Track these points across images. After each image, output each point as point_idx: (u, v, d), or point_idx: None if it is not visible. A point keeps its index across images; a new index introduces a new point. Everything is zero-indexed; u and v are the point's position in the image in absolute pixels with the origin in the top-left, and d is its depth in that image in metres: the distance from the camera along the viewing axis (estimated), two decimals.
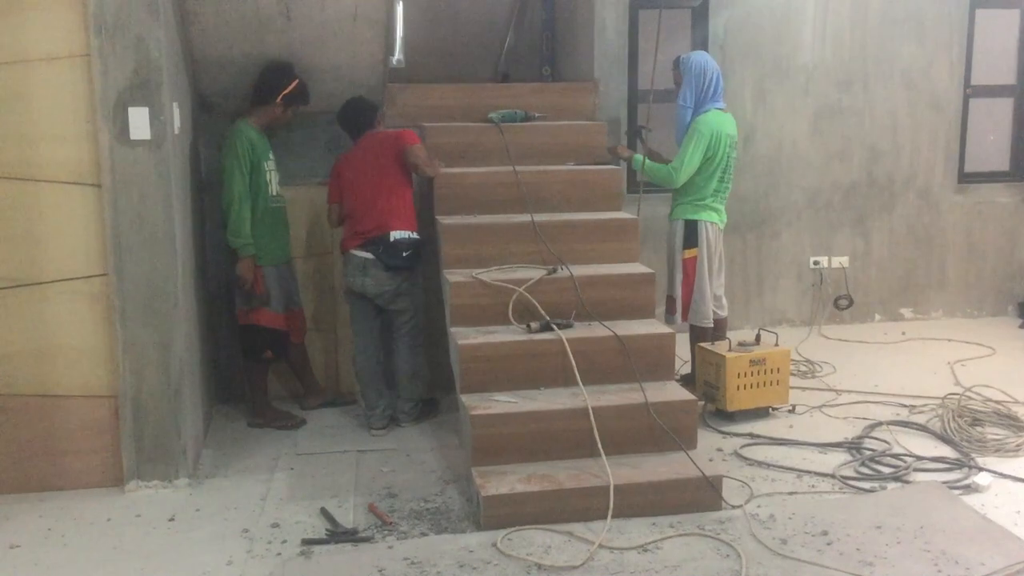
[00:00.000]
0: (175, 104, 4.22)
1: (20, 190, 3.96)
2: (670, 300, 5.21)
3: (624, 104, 6.19)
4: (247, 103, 4.90)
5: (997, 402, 4.98)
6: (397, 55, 5.17)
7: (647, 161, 5.17)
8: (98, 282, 4.05)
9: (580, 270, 4.61)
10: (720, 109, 5.10)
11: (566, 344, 4.23)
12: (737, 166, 5.29)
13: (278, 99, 4.82)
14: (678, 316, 5.18)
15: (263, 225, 4.82)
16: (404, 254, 4.73)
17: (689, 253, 5.12)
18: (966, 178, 6.89)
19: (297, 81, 4.85)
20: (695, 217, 5.10)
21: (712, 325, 5.20)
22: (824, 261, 6.71)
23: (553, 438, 4.04)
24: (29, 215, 3.98)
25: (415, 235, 4.81)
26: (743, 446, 4.57)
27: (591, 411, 4.01)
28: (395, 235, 4.72)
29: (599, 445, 3.94)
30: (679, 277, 5.15)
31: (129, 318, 4.05)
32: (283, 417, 4.98)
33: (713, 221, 5.14)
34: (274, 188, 4.89)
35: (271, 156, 4.90)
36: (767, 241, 6.62)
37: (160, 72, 3.97)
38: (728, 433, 4.76)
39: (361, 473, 4.34)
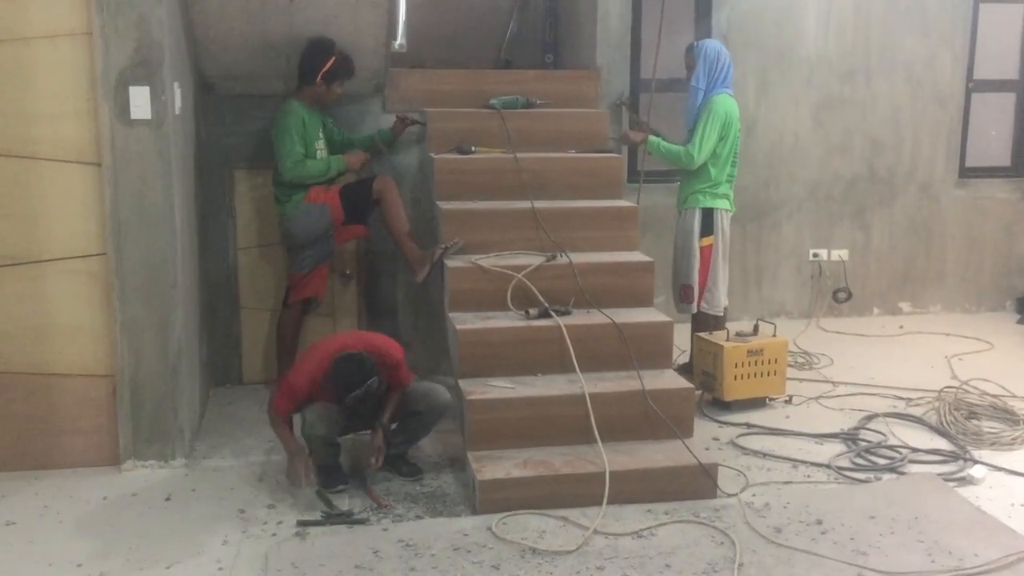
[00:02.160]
0: (176, 84, 4.20)
1: (19, 168, 3.95)
2: (687, 288, 5.16)
3: (627, 92, 6.16)
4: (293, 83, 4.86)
5: (993, 396, 4.98)
6: (399, 39, 5.14)
7: (663, 143, 5.15)
8: (96, 261, 4.05)
9: (579, 257, 4.60)
10: (729, 94, 5.10)
11: (564, 331, 4.23)
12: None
13: (318, 78, 4.80)
14: (695, 304, 5.16)
15: None
16: None
17: (706, 241, 5.11)
18: (967, 173, 6.86)
19: (335, 58, 4.78)
20: (712, 205, 5.09)
21: (723, 314, 5.20)
22: (823, 253, 6.69)
23: (550, 424, 4.04)
24: (28, 193, 3.97)
25: None
26: (739, 435, 4.58)
27: (588, 398, 4.02)
28: None
29: (595, 432, 3.95)
30: (696, 265, 5.13)
31: (127, 298, 4.05)
32: None
33: (727, 209, 5.15)
34: None
35: (321, 135, 4.90)
36: (767, 232, 6.61)
37: (161, 51, 3.96)
38: (724, 422, 4.77)
39: (358, 456, 4.33)
